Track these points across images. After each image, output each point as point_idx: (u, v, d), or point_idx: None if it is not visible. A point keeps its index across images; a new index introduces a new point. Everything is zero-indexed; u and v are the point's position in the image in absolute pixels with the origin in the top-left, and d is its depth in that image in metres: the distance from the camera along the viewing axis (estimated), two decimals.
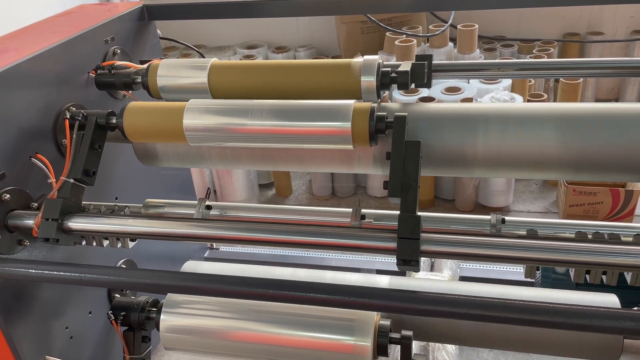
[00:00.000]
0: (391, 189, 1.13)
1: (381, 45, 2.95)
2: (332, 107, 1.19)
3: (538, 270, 1.14)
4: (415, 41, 2.71)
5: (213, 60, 1.37)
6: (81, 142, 1.29)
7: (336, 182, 2.85)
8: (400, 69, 1.29)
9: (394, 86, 1.31)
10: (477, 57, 2.82)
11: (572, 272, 1.13)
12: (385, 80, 1.28)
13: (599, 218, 2.36)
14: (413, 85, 1.37)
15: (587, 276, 1.12)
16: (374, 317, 1.33)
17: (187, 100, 1.27)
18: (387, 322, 1.33)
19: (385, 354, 1.32)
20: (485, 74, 1.47)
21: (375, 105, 1.19)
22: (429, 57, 1.40)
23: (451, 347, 1.59)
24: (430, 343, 1.58)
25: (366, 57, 1.28)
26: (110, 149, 1.52)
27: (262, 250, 2.41)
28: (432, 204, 2.72)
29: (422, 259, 2.00)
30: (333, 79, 1.30)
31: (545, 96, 2.65)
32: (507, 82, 2.59)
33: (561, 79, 2.51)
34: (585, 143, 1.15)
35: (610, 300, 1.35)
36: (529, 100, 2.58)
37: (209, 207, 1.34)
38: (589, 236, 1.08)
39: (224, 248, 2.36)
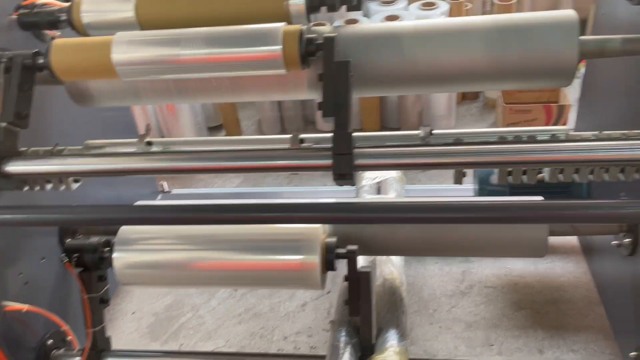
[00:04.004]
0: (324, 109, 1.17)
1: None
2: (262, 31, 1.20)
3: (465, 175, 1.22)
4: None
5: None
6: (9, 85, 1.26)
7: (286, 120, 2.87)
8: None
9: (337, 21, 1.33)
10: None
11: (496, 175, 1.21)
12: (314, 2, 1.29)
13: None
14: (344, 9, 1.40)
15: (510, 177, 1.21)
16: (320, 236, 1.40)
17: None
18: (333, 240, 1.41)
19: (333, 269, 1.40)
20: None
21: (305, 27, 1.21)
22: None
23: (397, 260, 1.69)
24: (377, 258, 1.68)
25: None
26: (44, 93, 1.49)
27: (216, 191, 2.44)
28: None
29: (369, 183, 2.08)
30: (263, 4, 1.30)
31: None
32: (445, 7, 2.62)
33: (495, 1, 2.56)
34: (505, 53, 1.20)
35: (537, 200, 1.47)
36: None
37: (149, 143, 1.35)
38: (509, 139, 1.16)
39: (177, 191, 2.38)
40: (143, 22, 1.32)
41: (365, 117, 2.78)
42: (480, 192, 1.90)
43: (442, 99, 2.61)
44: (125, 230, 1.47)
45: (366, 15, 2.80)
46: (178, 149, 1.36)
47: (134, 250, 1.45)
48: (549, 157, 1.08)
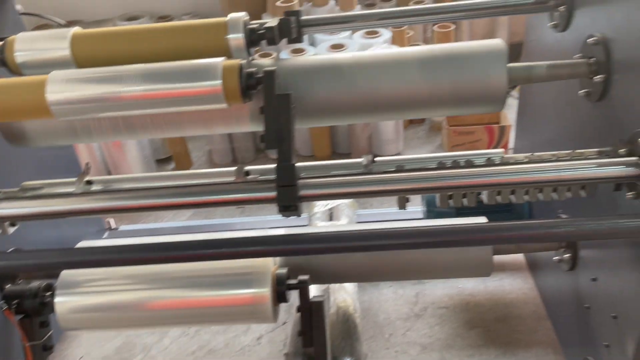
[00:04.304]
0: (267, 141, 1.17)
1: (264, 7, 2.94)
2: (201, 67, 1.20)
3: (408, 201, 1.24)
4: (297, 1, 2.74)
5: (75, 29, 1.32)
6: None
7: (236, 148, 2.85)
8: (267, 24, 1.32)
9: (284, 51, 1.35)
10: None
11: (437, 199, 1.24)
12: (254, 36, 1.30)
13: None
14: (285, 42, 1.42)
15: (451, 201, 1.24)
16: (271, 268, 1.39)
17: None
18: (283, 271, 1.40)
19: (285, 300, 1.39)
20: (351, 25, 1.53)
21: (244, 61, 1.22)
22: (297, 13, 1.44)
23: (350, 287, 1.70)
24: (330, 286, 1.68)
25: (231, 15, 1.29)
26: None
27: (166, 225, 2.39)
28: (330, 159, 2.81)
29: (321, 210, 2.09)
30: (202, 40, 1.30)
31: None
32: (387, 35, 2.70)
33: (435, 29, 2.66)
34: (440, 81, 1.25)
35: (481, 221, 1.52)
36: None
37: (89, 182, 1.31)
38: (448, 164, 1.20)
39: (125, 227, 2.32)
40: (79, 60, 1.29)
41: (316, 144, 2.81)
42: (428, 214, 1.94)
43: (389, 124, 2.66)
44: (67, 272, 1.42)
45: (312, 44, 2.84)
46: (119, 186, 1.33)
47: (77, 293, 1.40)
48: (485, 180, 1.11)
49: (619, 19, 1.13)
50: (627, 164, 1.06)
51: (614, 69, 1.17)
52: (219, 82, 1.18)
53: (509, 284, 1.96)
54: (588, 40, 1.24)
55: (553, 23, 1.45)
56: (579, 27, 1.34)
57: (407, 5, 3.03)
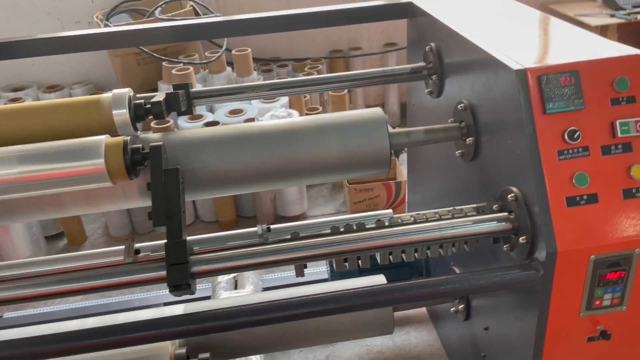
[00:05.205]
0: (155, 218, 1.14)
1: (160, 75, 2.93)
2: (82, 145, 1.16)
3: (306, 267, 1.25)
4: (192, 69, 2.75)
5: None
6: None
7: (134, 218, 2.74)
8: (153, 99, 1.31)
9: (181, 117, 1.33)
10: (255, 79, 2.98)
11: (334, 263, 1.26)
12: (140, 112, 1.28)
13: (380, 209, 2.65)
14: (176, 114, 1.42)
15: (347, 264, 1.26)
16: (168, 349, 1.32)
17: None
18: (182, 350, 1.34)
19: None
20: (243, 96, 1.57)
21: (129, 138, 1.19)
22: (186, 86, 1.45)
23: (256, 359, 1.65)
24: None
25: (115, 90, 1.27)
26: None
27: (57, 309, 2.20)
28: (235, 223, 2.78)
29: (225, 279, 2.04)
30: (86, 117, 1.26)
31: (321, 109, 2.90)
32: (285, 99, 2.79)
33: (330, 93, 2.78)
34: (329, 149, 1.30)
35: (378, 279, 1.56)
36: (306, 114, 2.81)
37: None
38: (342, 229, 1.22)
39: (10, 315, 2.11)
40: None
41: (219, 208, 2.76)
42: (332, 274, 1.95)
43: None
44: None
45: (211, 110, 2.85)
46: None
47: None
48: (375, 243, 1.15)
49: (480, 87, 1.25)
50: (499, 220, 1.14)
51: (481, 132, 1.28)
52: (101, 160, 1.14)
53: (415, 336, 2.00)
54: (458, 106, 1.35)
55: (428, 90, 1.57)
56: (449, 94, 1.46)
57: (302, 70, 3.17)
